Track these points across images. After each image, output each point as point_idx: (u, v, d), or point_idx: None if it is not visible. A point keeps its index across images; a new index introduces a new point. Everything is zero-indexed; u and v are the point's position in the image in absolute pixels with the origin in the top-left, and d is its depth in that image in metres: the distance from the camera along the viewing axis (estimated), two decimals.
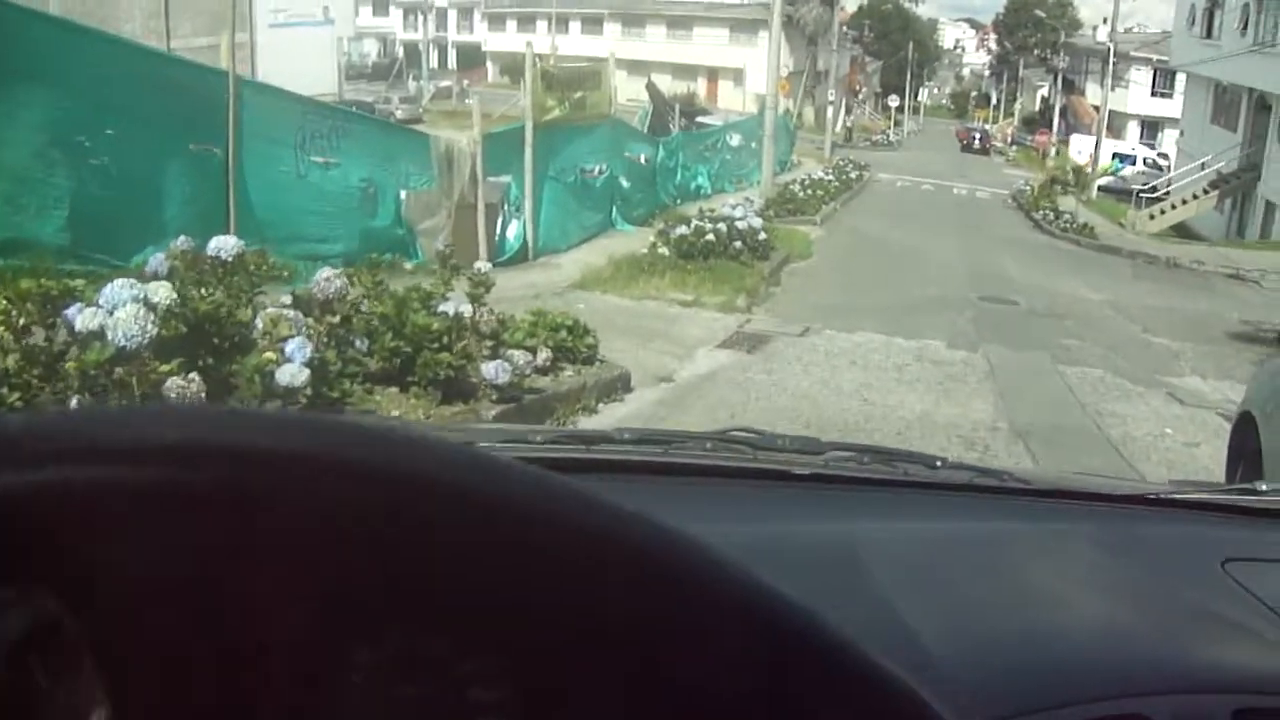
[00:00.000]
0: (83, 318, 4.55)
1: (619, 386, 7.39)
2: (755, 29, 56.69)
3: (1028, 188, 33.92)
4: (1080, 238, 24.75)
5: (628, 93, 28.34)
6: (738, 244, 13.40)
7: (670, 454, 1.61)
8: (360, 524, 0.47)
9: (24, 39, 8.08)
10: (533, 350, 6.56)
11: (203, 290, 5.17)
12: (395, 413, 5.52)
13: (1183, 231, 31.59)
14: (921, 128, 79.97)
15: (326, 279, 5.58)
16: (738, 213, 14.21)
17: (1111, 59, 40.83)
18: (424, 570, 0.49)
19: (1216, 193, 33.03)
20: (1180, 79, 44.51)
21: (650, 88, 30.36)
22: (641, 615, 0.51)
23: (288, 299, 5.64)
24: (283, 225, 10.10)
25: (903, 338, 10.35)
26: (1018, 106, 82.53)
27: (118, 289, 4.65)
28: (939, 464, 1.69)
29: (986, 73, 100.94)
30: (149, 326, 4.53)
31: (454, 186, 12.56)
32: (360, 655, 0.51)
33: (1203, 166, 33.54)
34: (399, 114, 35.48)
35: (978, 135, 66.84)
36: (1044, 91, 75.46)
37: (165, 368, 4.55)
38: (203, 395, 4.46)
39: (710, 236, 13.04)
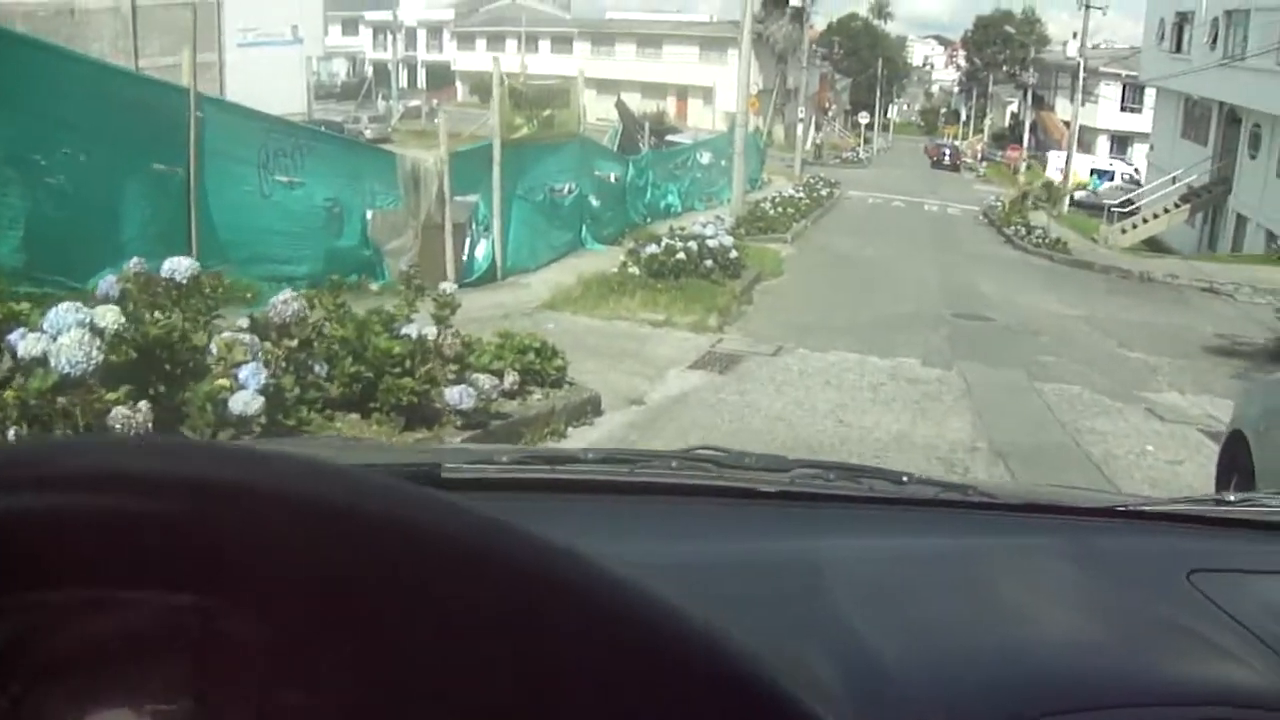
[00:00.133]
0: (25, 344, 4.35)
1: (589, 410, 7.24)
2: (725, 47, 56.99)
3: (999, 203, 34.16)
4: (1053, 253, 24.92)
5: (597, 111, 28.38)
6: (709, 262, 13.38)
7: (636, 473, 1.62)
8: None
9: None
10: (499, 373, 6.41)
11: (155, 314, 4.96)
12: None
13: (1154, 246, 31.85)
14: (891, 145, 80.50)
15: (284, 301, 5.36)
16: (708, 231, 14.22)
17: (1081, 74, 41.12)
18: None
19: (1188, 207, 33.30)
20: (1150, 94, 44.99)
21: (620, 106, 30.32)
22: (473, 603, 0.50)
23: (245, 322, 5.44)
24: (246, 246, 9.91)
25: (877, 356, 10.26)
26: (987, 122, 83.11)
27: (62, 313, 4.45)
28: (905, 479, 1.69)
29: (956, 89, 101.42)
30: (94, 353, 4.33)
31: (421, 206, 12.41)
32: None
33: (1174, 180, 33.81)
34: (368, 133, 35.71)
35: (947, 151, 67.31)
36: (1013, 107, 76.02)
37: (111, 396, 4.34)
38: (149, 425, 4.25)
39: (681, 255, 13.01)
